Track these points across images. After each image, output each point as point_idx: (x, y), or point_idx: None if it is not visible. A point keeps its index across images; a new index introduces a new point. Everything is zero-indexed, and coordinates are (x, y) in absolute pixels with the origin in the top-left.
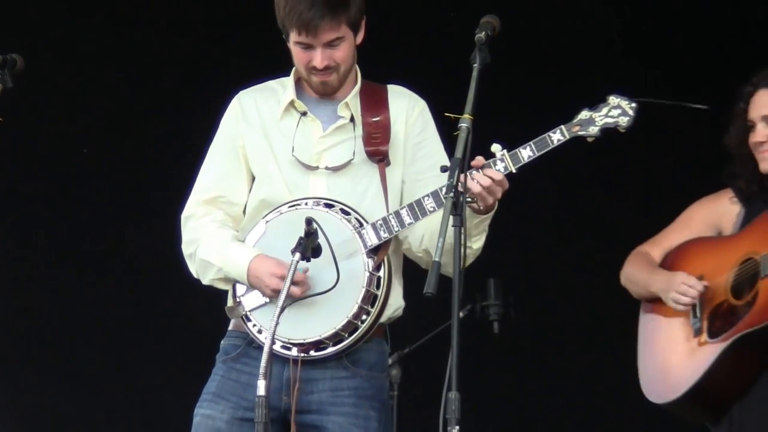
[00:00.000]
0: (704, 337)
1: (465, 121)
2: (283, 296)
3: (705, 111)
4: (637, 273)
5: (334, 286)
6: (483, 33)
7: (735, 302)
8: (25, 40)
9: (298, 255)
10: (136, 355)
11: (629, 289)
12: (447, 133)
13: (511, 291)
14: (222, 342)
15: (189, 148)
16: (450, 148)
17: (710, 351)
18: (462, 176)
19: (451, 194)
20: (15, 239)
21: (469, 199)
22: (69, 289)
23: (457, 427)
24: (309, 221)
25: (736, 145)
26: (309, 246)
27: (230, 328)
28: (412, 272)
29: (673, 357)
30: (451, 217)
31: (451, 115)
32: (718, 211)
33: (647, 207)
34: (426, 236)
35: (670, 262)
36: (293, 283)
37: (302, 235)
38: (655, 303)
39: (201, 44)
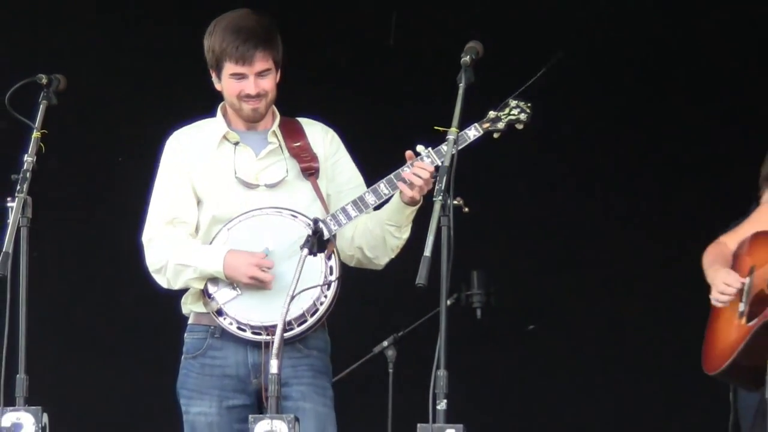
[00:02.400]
0: (744, 320)
1: (452, 134)
2: (294, 286)
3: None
4: (705, 263)
5: (326, 284)
6: (468, 56)
7: None
8: (66, 62)
9: (306, 250)
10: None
11: None
12: (437, 144)
13: (492, 282)
14: (186, 337)
15: None
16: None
17: (745, 332)
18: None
19: (440, 197)
20: (53, 239)
21: (455, 202)
22: (106, 288)
23: (445, 401)
24: (315, 221)
25: None
26: (315, 243)
27: (190, 322)
28: (404, 265)
29: (725, 336)
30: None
31: (440, 128)
32: None
33: (614, 205)
34: (355, 235)
35: (740, 252)
36: (268, 269)
37: (310, 233)
38: None
39: None
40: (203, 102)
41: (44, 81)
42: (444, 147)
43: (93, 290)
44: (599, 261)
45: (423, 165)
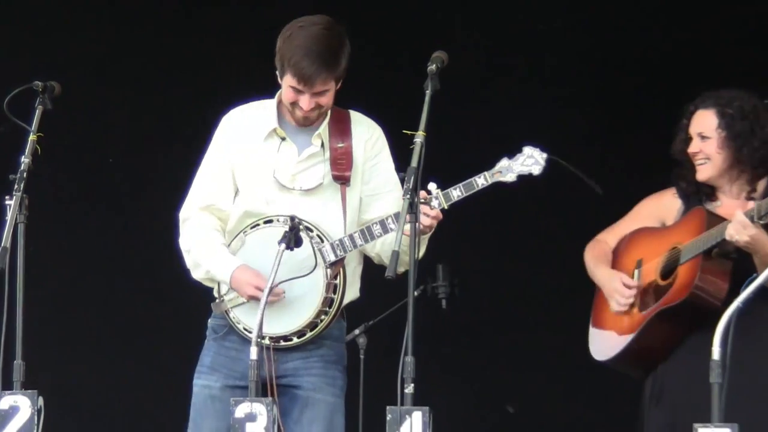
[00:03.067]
0: (636, 309)
1: (419, 137)
2: (267, 288)
3: (598, 194)
4: (590, 260)
5: (311, 272)
6: (434, 65)
7: (661, 283)
8: (60, 69)
9: (283, 245)
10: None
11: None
12: (405, 145)
13: (456, 274)
14: (209, 322)
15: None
16: (407, 158)
17: (639, 321)
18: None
19: (408, 196)
20: (48, 235)
21: (422, 201)
22: (97, 281)
23: (412, 385)
24: (293, 218)
25: (680, 152)
26: (292, 238)
27: (215, 311)
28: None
29: (615, 324)
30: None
31: (408, 131)
32: (663, 206)
33: (577, 199)
34: (377, 244)
35: (622, 247)
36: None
37: (287, 229)
38: None
39: (214, 69)
40: (195, 106)
41: (40, 87)
42: (453, 192)
43: (85, 282)
44: (560, 254)
45: (428, 211)
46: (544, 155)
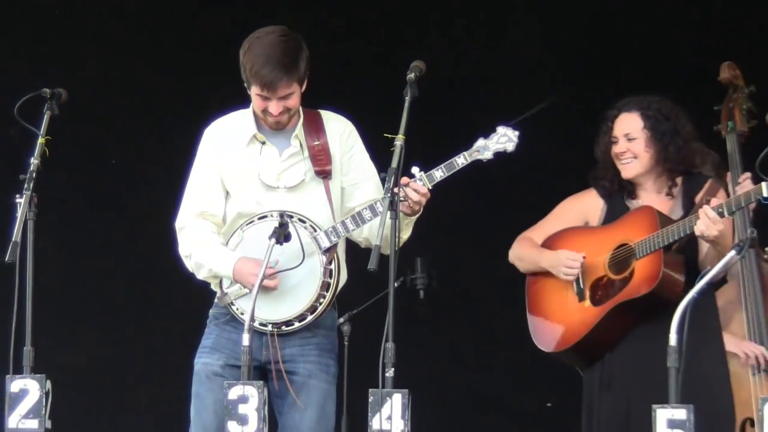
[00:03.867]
0: (588, 303)
1: (399, 140)
2: (261, 273)
3: (559, 100)
4: (526, 252)
5: (300, 264)
6: (413, 73)
7: (614, 277)
8: (69, 76)
9: (273, 240)
10: (152, 322)
11: (517, 265)
12: (385, 148)
13: (434, 267)
14: (211, 311)
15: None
16: (388, 161)
17: (595, 313)
18: (397, 179)
19: (388, 195)
20: (56, 231)
21: (402, 199)
22: (100, 272)
23: (393, 369)
24: (282, 215)
25: (603, 153)
26: (282, 233)
27: (220, 304)
28: (360, 255)
29: (563, 317)
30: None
31: (389, 135)
32: (586, 206)
33: (546, 195)
34: (365, 229)
35: (549, 246)
36: (268, 277)
37: (277, 225)
38: (540, 275)
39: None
40: (193, 112)
41: (48, 94)
42: (436, 172)
43: (89, 275)
44: None
45: (416, 186)
46: (517, 132)
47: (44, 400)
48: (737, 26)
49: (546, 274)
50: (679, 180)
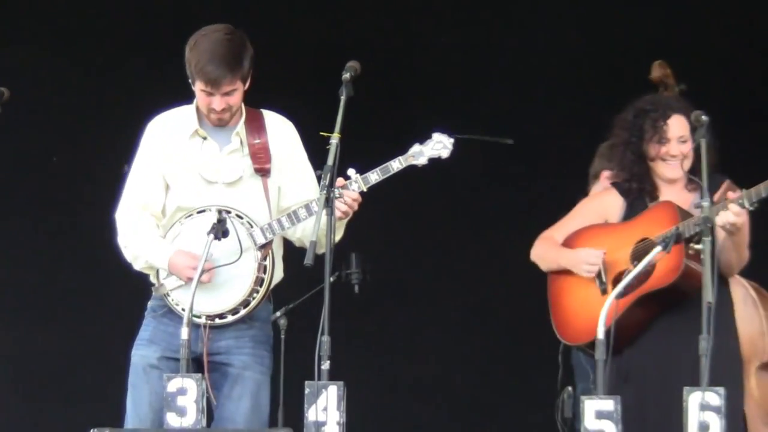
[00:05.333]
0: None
1: (334, 139)
2: (200, 268)
3: (509, 144)
4: (548, 252)
5: (237, 260)
6: (348, 74)
7: None
8: (9, 75)
9: (211, 236)
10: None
11: (539, 265)
12: (321, 146)
13: (368, 262)
14: (149, 302)
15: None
16: (324, 158)
17: (618, 305)
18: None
19: (324, 192)
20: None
21: (337, 195)
22: (45, 264)
23: (328, 362)
24: (220, 211)
25: (640, 153)
26: (220, 229)
27: (156, 295)
28: (297, 250)
29: (588, 311)
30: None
31: (325, 133)
32: (605, 204)
33: (479, 192)
34: (298, 229)
35: (571, 243)
36: (204, 271)
37: (215, 221)
38: (562, 273)
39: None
40: (134, 111)
41: None
42: (371, 176)
43: (27, 268)
44: (462, 243)
45: (349, 194)
46: (452, 140)
47: None
48: (669, 25)
49: (567, 271)
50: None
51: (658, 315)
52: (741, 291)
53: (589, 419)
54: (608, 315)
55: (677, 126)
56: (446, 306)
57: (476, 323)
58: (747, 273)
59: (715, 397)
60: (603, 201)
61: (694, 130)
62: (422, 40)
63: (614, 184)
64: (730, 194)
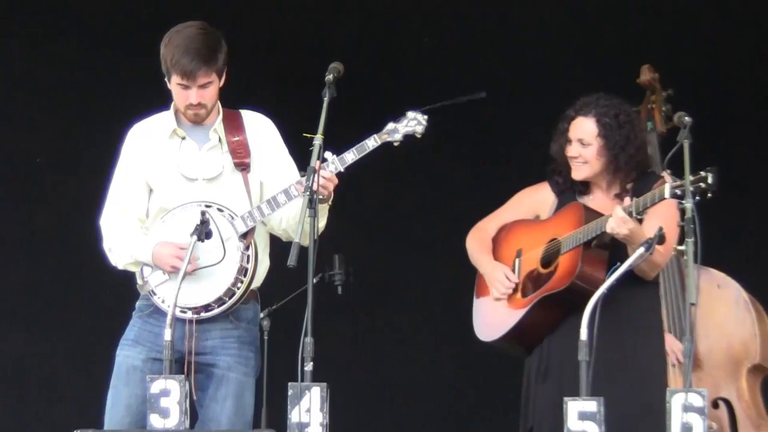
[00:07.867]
0: (519, 295)
1: (317, 139)
2: (184, 268)
3: (483, 99)
4: (474, 252)
5: (221, 261)
6: (331, 75)
7: (542, 271)
8: None
9: (195, 237)
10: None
11: (469, 257)
12: (305, 147)
13: (351, 263)
14: (137, 302)
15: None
16: (307, 159)
17: (522, 305)
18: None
19: (308, 193)
20: None
21: (320, 197)
22: (29, 264)
23: (311, 363)
24: (203, 213)
25: (558, 153)
26: (203, 231)
27: (141, 293)
28: (280, 252)
29: (497, 308)
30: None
31: (308, 134)
32: (539, 199)
33: (461, 192)
34: (283, 220)
35: (501, 236)
36: (189, 273)
37: (198, 223)
38: None
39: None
40: (119, 112)
41: None
42: (347, 155)
43: (13, 270)
44: (446, 244)
45: (325, 174)
46: (426, 116)
47: None
48: (656, 29)
49: None
50: (632, 180)
51: (567, 314)
52: (734, 293)
53: (572, 420)
54: (589, 317)
55: (576, 128)
56: (430, 307)
57: (460, 324)
58: (736, 266)
59: (698, 399)
60: (537, 195)
61: (604, 135)
62: (407, 39)
63: (549, 180)
64: (626, 200)
